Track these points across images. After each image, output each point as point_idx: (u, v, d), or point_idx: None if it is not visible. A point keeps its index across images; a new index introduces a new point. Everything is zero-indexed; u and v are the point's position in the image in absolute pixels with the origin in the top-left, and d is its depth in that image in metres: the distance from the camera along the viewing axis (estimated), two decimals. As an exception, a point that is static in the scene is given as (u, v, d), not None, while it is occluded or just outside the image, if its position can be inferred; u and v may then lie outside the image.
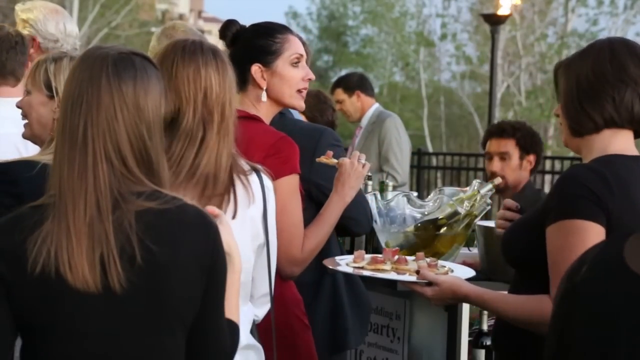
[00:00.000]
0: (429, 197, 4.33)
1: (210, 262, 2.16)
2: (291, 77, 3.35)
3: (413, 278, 2.97)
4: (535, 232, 2.71)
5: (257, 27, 3.42)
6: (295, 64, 3.36)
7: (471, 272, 3.22)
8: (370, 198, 4.08)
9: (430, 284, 2.89)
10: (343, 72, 40.55)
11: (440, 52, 35.00)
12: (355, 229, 3.72)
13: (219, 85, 2.70)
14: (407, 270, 3.06)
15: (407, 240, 4.08)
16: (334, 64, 40.39)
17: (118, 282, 2.06)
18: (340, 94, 7.62)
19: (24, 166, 2.79)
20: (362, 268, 3.22)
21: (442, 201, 4.15)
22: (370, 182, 4.72)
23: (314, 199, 3.56)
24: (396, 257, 3.21)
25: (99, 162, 2.09)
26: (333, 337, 3.69)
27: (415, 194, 4.41)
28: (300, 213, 3.25)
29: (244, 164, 2.75)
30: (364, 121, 7.63)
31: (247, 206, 2.71)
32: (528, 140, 4.97)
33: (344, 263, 3.29)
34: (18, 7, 4.84)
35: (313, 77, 3.41)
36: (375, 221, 4.09)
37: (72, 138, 2.10)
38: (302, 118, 4.92)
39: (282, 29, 3.40)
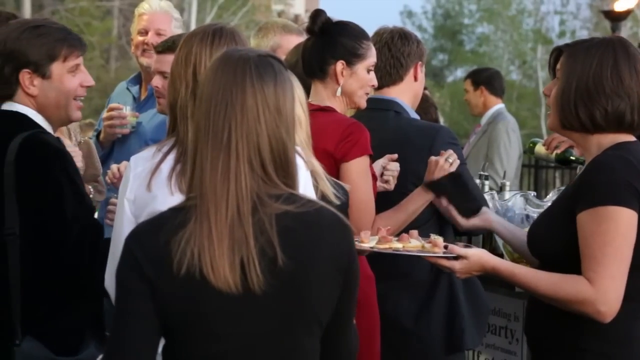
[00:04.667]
0: (548, 197, 4.27)
1: (347, 264, 2.17)
2: (366, 81, 3.58)
3: (440, 253, 2.99)
4: (563, 222, 2.83)
5: (346, 26, 3.59)
6: (370, 70, 3.60)
7: None
8: (487, 197, 4.05)
9: (457, 257, 2.94)
10: (459, 71, 40.48)
11: (558, 50, 34.42)
12: (473, 228, 3.72)
13: (209, 58, 2.71)
14: (416, 247, 3.07)
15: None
16: (449, 62, 40.18)
17: (258, 284, 2.08)
18: (467, 84, 7.80)
19: None
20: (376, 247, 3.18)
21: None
22: (487, 182, 4.68)
23: None
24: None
25: (241, 164, 2.11)
26: (449, 338, 3.68)
27: (533, 193, 4.34)
28: (370, 192, 3.46)
29: None
30: (484, 120, 7.62)
31: None
32: None
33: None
34: (170, 5, 4.92)
35: (377, 84, 3.67)
36: (493, 221, 4.04)
37: (216, 140, 2.11)
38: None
39: (367, 36, 3.64)
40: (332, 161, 3.39)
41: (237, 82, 2.13)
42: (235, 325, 2.10)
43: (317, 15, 3.54)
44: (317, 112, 3.45)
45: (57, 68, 3.00)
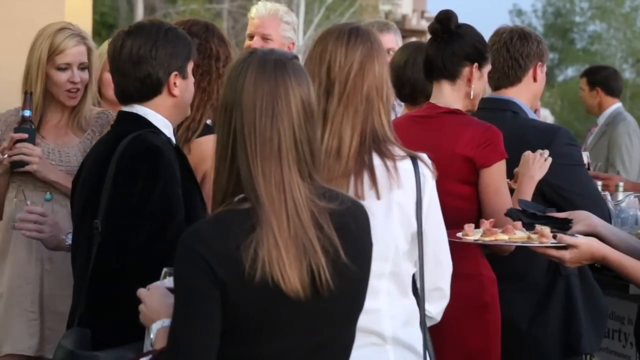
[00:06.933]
0: (664, 198, 4.19)
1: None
2: (485, 84, 3.60)
3: (548, 243, 2.95)
4: None
5: (474, 29, 3.57)
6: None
7: None
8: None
9: (566, 247, 2.91)
10: (569, 70, 39.90)
11: (673, 48, 33.68)
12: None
13: (344, 57, 2.75)
14: (520, 238, 3.04)
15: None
16: (560, 61, 39.61)
17: (327, 288, 2.12)
18: (583, 83, 7.66)
19: None
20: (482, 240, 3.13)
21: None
22: (599, 182, 4.61)
23: (547, 198, 3.56)
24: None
25: (293, 174, 2.14)
26: (566, 340, 3.65)
27: (648, 194, 4.28)
28: (509, 195, 3.44)
29: (398, 150, 2.76)
30: (601, 120, 7.48)
31: (390, 190, 2.72)
32: None
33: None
34: (280, 8, 4.92)
35: None
36: (607, 222, 4.00)
37: (264, 148, 2.13)
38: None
39: None
40: (472, 166, 3.39)
41: (279, 90, 2.15)
42: (302, 326, 2.13)
43: (451, 16, 3.52)
44: (447, 115, 3.46)
45: (189, 68, 3.08)
